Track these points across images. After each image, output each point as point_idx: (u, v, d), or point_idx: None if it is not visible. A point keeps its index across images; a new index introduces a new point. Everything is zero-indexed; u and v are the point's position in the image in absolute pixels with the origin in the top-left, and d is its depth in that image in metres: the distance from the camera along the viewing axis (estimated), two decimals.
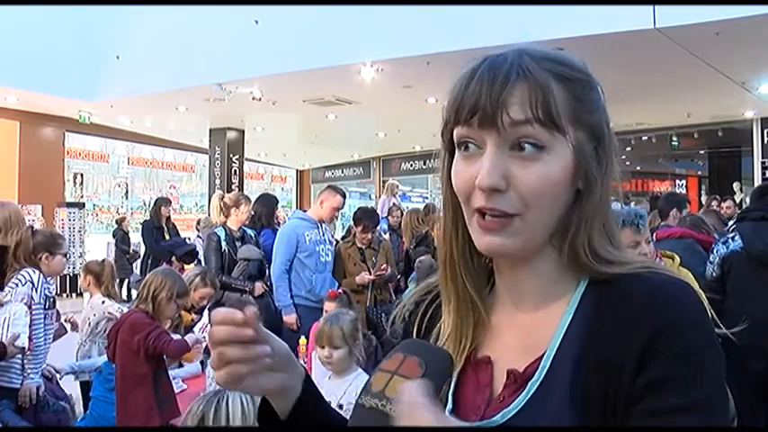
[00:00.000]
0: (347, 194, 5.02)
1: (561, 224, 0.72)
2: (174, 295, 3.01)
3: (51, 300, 3.42)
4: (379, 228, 5.33)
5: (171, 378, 3.06)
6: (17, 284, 3.14)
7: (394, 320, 0.86)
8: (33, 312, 3.17)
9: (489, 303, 0.78)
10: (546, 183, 0.68)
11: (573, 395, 0.66)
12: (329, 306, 3.59)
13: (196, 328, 3.59)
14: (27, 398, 3.11)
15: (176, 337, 3.12)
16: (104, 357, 3.30)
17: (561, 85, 0.69)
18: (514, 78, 0.68)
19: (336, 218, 4.77)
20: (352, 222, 5.28)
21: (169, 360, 3.10)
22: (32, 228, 3.43)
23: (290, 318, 4.49)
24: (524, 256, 0.73)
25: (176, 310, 3.11)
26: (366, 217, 4.98)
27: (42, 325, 3.26)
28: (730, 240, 3.31)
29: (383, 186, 16.39)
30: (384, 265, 4.83)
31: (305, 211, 4.90)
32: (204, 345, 3.23)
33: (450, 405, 0.74)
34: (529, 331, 0.74)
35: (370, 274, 4.74)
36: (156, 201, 8.74)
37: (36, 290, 3.19)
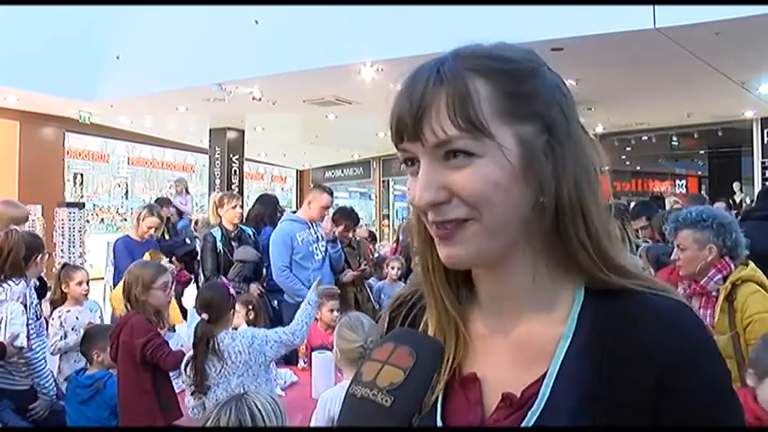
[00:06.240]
0: (348, 194, 5.07)
1: (534, 225, 0.67)
2: (147, 283, 2.88)
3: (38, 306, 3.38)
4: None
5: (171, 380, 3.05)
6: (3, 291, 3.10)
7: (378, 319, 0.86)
8: (31, 325, 3.14)
9: (471, 314, 0.75)
10: (483, 185, 0.64)
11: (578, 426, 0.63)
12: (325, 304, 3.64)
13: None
14: (39, 413, 3.14)
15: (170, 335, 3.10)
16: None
17: (487, 81, 0.65)
18: (432, 88, 0.65)
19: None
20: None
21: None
22: (15, 231, 3.31)
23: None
24: (492, 263, 0.69)
25: (163, 296, 2.94)
26: (346, 217, 5.11)
27: (37, 335, 3.22)
28: None
29: (383, 186, 16.43)
30: (365, 264, 4.98)
31: (294, 212, 4.89)
32: None
33: (439, 421, 0.72)
34: (521, 346, 0.70)
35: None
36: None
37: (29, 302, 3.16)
